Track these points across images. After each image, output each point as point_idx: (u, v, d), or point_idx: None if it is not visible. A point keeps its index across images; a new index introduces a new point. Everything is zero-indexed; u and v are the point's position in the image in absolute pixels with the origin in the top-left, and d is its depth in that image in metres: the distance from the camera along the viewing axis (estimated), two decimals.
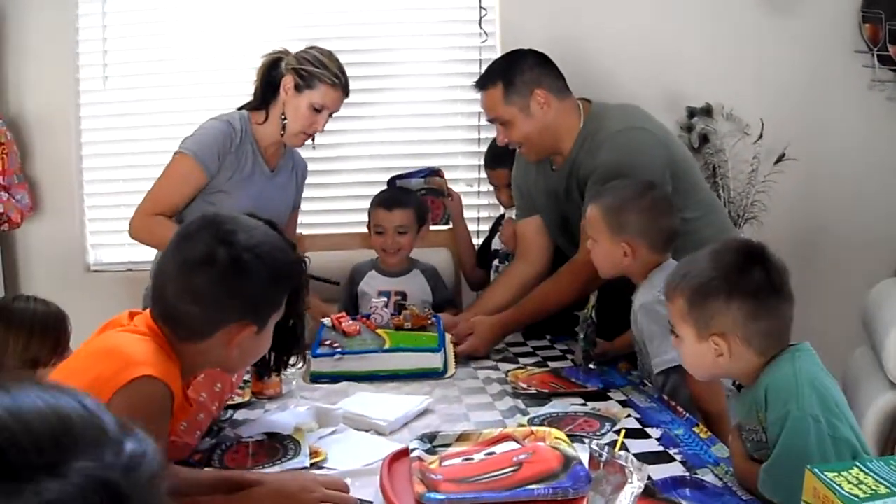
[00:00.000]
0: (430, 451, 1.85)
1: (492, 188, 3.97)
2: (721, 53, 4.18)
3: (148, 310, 1.95)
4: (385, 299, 3.18)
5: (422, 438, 1.91)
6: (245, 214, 2.05)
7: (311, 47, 3.30)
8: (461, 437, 1.92)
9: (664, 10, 4.21)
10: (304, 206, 3.68)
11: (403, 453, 1.85)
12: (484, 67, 3.75)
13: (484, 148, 3.95)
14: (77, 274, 4.31)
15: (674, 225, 2.73)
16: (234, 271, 1.85)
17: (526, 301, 3.21)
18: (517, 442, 1.85)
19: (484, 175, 4.02)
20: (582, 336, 2.88)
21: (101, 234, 4.37)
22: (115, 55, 4.29)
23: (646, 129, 3.08)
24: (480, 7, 4.14)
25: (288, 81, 3.24)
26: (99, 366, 1.76)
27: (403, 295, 3.60)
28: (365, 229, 3.76)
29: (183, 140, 3.27)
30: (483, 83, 3.20)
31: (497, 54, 4.04)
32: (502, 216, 3.85)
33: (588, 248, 2.80)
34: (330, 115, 3.30)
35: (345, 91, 3.28)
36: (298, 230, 3.77)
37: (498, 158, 3.71)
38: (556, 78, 3.18)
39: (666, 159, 3.01)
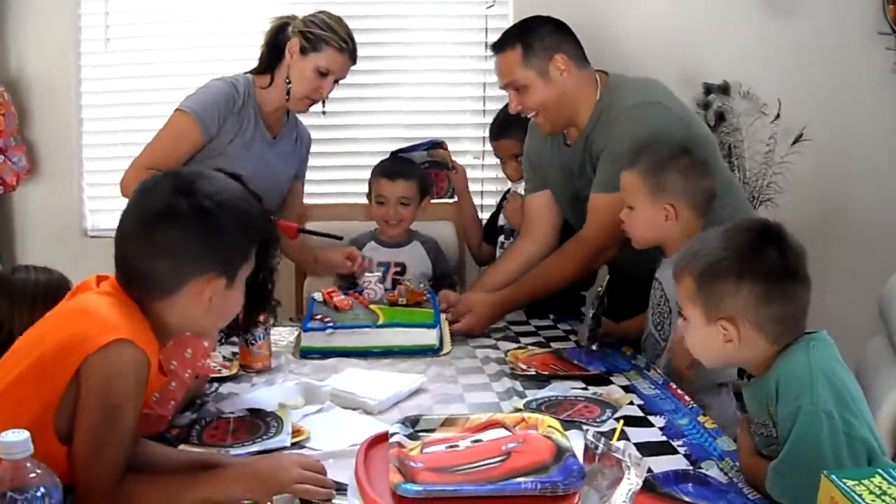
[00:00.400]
0: (412, 437, 1.71)
1: (497, 161, 3.84)
2: (740, 31, 4.06)
3: (113, 275, 1.85)
4: (379, 273, 3.08)
5: (403, 422, 1.77)
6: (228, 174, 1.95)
7: (320, 11, 3.20)
8: (446, 422, 1.78)
9: None
10: (307, 175, 3.57)
11: (384, 437, 1.73)
12: (490, 37, 3.71)
13: (489, 120, 3.82)
14: (74, 239, 4.23)
15: (713, 186, 2.65)
16: (197, 221, 1.75)
17: (526, 278, 3.10)
18: (507, 429, 1.72)
19: (489, 147, 3.90)
20: (591, 314, 2.77)
21: (99, 200, 4.28)
22: (117, 17, 4.20)
23: (664, 105, 2.95)
24: None
25: (294, 44, 3.14)
26: (70, 327, 1.68)
27: (403, 267, 3.51)
28: (366, 201, 3.65)
29: (186, 97, 3.17)
30: (500, 45, 3.06)
31: (507, 24, 3.91)
32: (508, 191, 3.73)
33: (622, 217, 2.69)
34: (336, 81, 3.20)
35: (352, 57, 3.18)
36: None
37: (504, 129, 3.59)
38: (575, 46, 3.05)
39: (684, 137, 2.86)
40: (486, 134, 3.90)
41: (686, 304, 1.90)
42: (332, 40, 3.11)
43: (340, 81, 3.23)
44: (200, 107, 3.13)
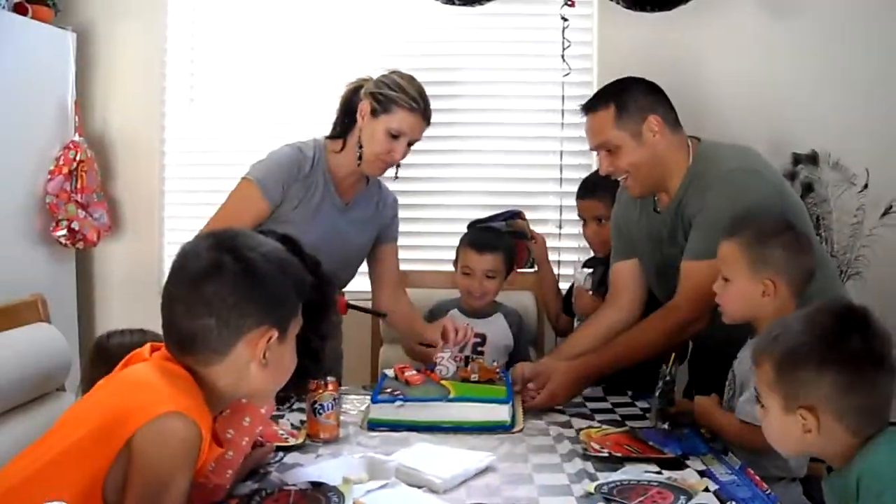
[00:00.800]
0: None
1: (578, 231, 3.79)
2: (829, 99, 3.99)
3: (163, 345, 1.84)
4: (454, 349, 3.00)
5: None
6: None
7: (393, 71, 3.16)
8: None
9: (773, 52, 4.06)
10: None
11: None
12: (567, 104, 3.71)
13: (567, 189, 3.79)
14: (154, 295, 4.17)
15: (813, 264, 2.56)
16: (243, 273, 1.75)
17: (610, 346, 3.00)
18: None
19: (567, 217, 3.85)
20: (657, 392, 2.69)
21: None
22: (201, 76, 4.29)
23: (760, 173, 2.87)
24: (563, 39, 4.00)
25: (365, 106, 3.10)
26: (122, 398, 1.68)
27: (483, 338, 3.45)
28: (449, 267, 3.62)
29: (253, 164, 3.15)
30: (593, 105, 3.00)
31: (586, 91, 3.96)
32: (572, 286, 3.67)
33: (715, 289, 2.60)
34: (410, 144, 3.14)
35: (425, 117, 3.12)
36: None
37: (591, 189, 3.55)
38: (668, 108, 2.99)
39: (780, 206, 2.79)
40: (563, 203, 3.87)
41: (765, 392, 1.84)
42: (402, 101, 3.06)
43: (415, 145, 3.17)
44: (264, 174, 3.10)
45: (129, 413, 1.61)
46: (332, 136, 3.23)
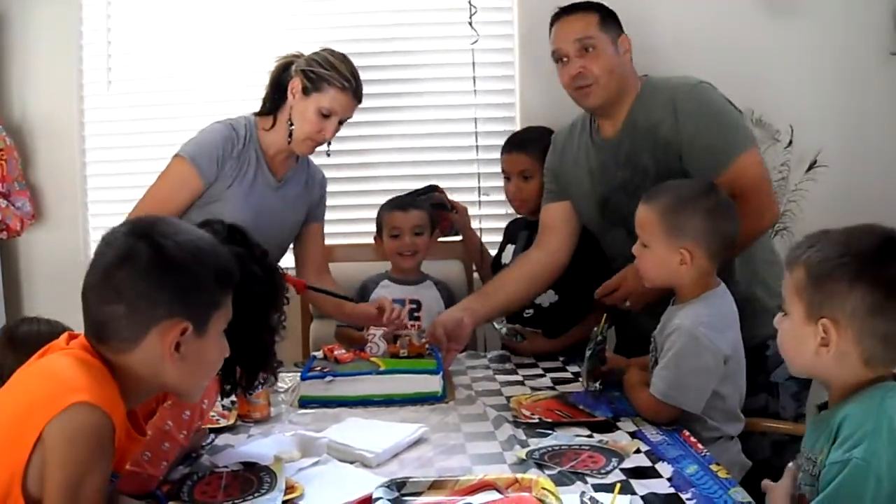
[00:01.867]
0: (397, 501, 1.65)
1: (498, 198, 3.83)
2: (748, 56, 3.97)
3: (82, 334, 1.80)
4: (384, 329, 2.98)
5: (389, 486, 1.69)
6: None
7: (324, 49, 3.13)
8: (434, 485, 1.70)
9: (688, 9, 4.02)
10: None
11: (367, 501, 1.66)
12: (478, 71, 3.95)
13: (483, 156, 3.91)
14: (79, 284, 4.14)
15: (734, 230, 2.55)
16: (155, 262, 1.69)
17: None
18: (499, 491, 1.64)
19: (485, 183, 3.93)
20: (588, 354, 2.70)
21: None
22: (119, 59, 4.19)
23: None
24: (470, 5, 3.99)
25: (296, 84, 3.08)
26: (34, 390, 1.65)
27: (418, 304, 3.47)
28: (369, 240, 3.62)
29: (184, 143, 3.11)
30: (574, 8, 3.07)
31: (498, 58, 4.05)
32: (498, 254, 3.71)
33: (635, 252, 2.60)
34: (340, 122, 3.12)
35: (356, 97, 3.10)
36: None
37: (518, 143, 3.57)
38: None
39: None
40: (480, 171, 3.97)
41: (791, 297, 1.80)
42: (334, 80, 3.04)
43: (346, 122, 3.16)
44: (197, 151, 3.06)
45: (39, 404, 1.58)
46: (261, 113, 3.21)
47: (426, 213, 3.54)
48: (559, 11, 3.09)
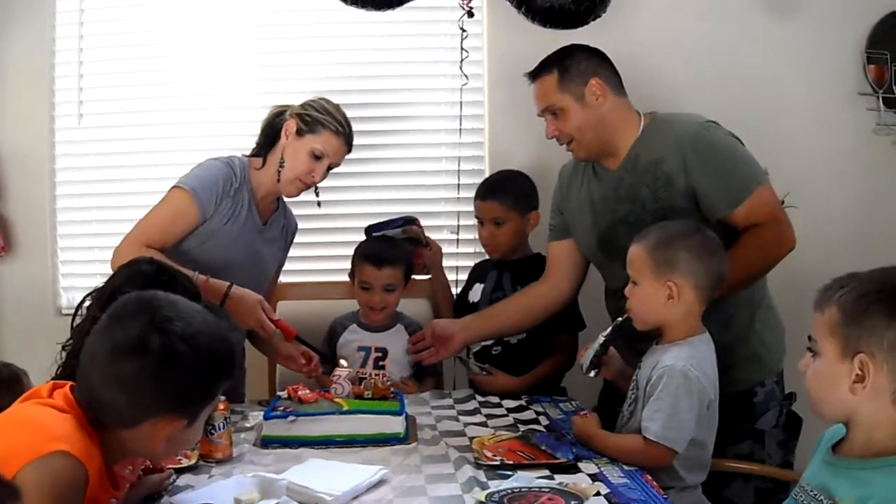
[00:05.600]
0: None
1: (472, 237, 3.84)
2: (715, 95, 3.98)
3: (68, 385, 1.82)
4: (350, 370, 2.95)
5: None
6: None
7: (320, 97, 3.22)
8: None
9: (665, 44, 4.04)
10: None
11: None
12: (465, 110, 3.93)
13: (464, 195, 3.82)
14: (48, 317, 4.15)
15: (722, 269, 2.57)
16: (165, 362, 1.72)
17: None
18: None
19: (465, 222, 3.91)
20: (601, 339, 2.73)
21: (73, 277, 4.21)
22: (91, 92, 4.17)
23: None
24: (462, 49, 3.97)
25: (290, 125, 3.15)
26: (14, 436, 1.66)
27: (384, 352, 3.41)
28: (345, 278, 3.57)
29: (183, 175, 3.14)
30: (537, 72, 3.09)
31: (481, 98, 4.07)
32: (464, 293, 3.72)
33: (626, 293, 2.62)
34: (329, 168, 3.19)
35: (347, 143, 3.19)
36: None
37: (490, 190, 3.56)
38: (612, 73, 3.08)
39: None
40: (461, 210, 3.95)
41: (823, 337, 1.80)
42: (329, 123, 3.12)
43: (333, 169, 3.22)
44: (199, 186, 3.09)
45: (14, 453, 1.59)
46: (253, 155, 3.25)
47: (401, 268, 3.43)
48: (527, 76, 3.12)
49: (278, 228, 3.37)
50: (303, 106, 3.17)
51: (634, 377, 2.61)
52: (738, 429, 2.80)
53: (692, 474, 2.50)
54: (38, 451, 1.59)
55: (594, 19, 3.61)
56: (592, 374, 2.75)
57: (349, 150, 3.22)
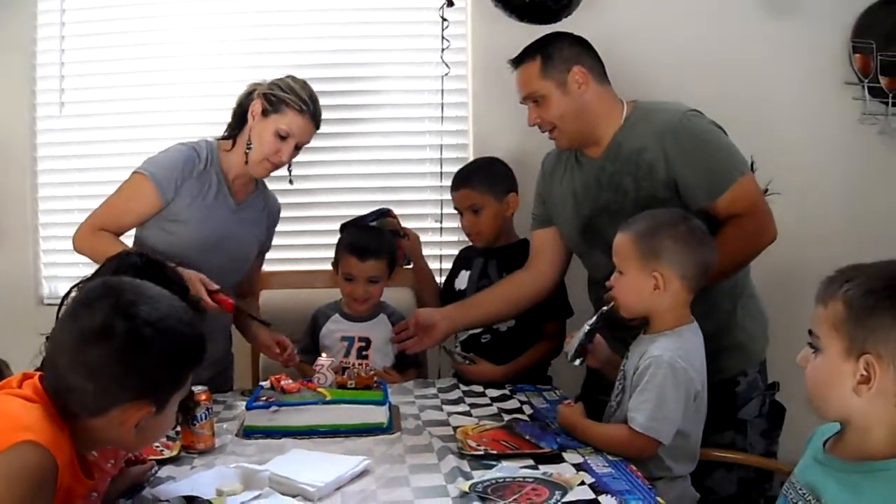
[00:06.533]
0: None
1: (455, 226, 3.84)
2: (700, 83, 3.96)
3: (38, 375, 1.79)
4: (332, 359, 2.93)
5: None
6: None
7: (287, 75, 3.19)
8: None
9: (650, 33, 4.03)
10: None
11: None
12: (447, 98, 3.92)
13: (447, 183, 3.79)
14: (29, 307, 4.13)
15: (709, 258, 2.55)
16: (132, 346, 1.70)
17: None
18: None
19: (447, 210, 3.90)
20: (587, 328, 2.70)
21: (55, 266, 4.20)
22: (72, 81, 4.14)
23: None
24: (443, 38, 3.96)
25: (256, 106, 3.13)
26: None
27: (367, 341, 3.40)
28: (328, 266, 3.54)
29: (145, 160, 3.15)
30: (520, 59, 3.09)
31: (464, 85, 4.08)
32: (450, 280, 3.71)
33: (612, 282, 2.60)
34: (297, 146, 3.17)
35: (314, 120, 3.16)
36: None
37: (464, 178, 3.57)
38: (595, 61, 3.08)
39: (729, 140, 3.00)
40: (444, 198, 3.92)
41: (827, 332, 1.72)
42: (292, 102, 3.09)
43: (303, 147, 3.20)
44: (158, 169, 3.10)
45: None
46: (223, 137, 3.25)
47: (385, 260, 3.42)
48: (510, 63, 3.12)
49: (257, 209, 3.34)
50: (269, 85, 3.14)
51: (622, 367, 2.60)
52: (721, 418, 2.79)
53: (680, 465, 2.49)
54: (4, 441, 1.58)
55: (567, 15, 3.64)
56: (577, 362, 2.74)
57: (317, 128, 3.19)
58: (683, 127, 2.91)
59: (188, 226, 3.11)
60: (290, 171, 3.28)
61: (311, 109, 3.12)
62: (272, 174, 3.26)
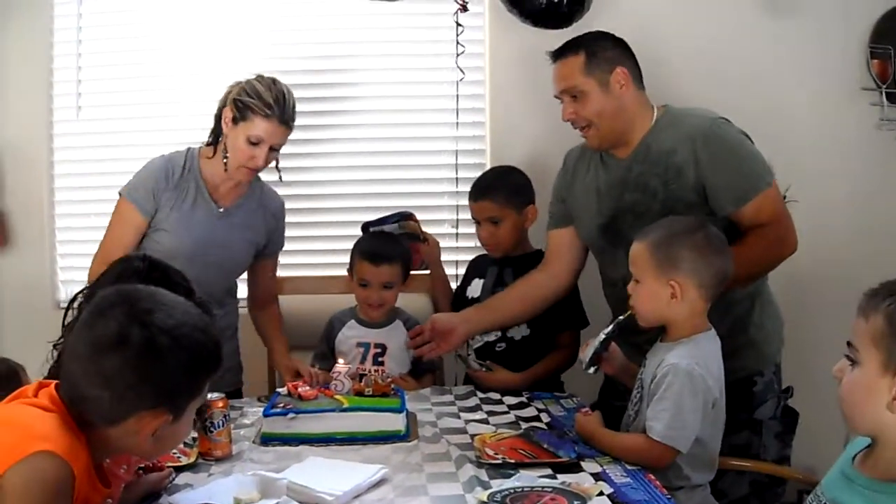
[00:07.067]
0: None
1: (471, 231, 3.78)
2: (718, 89, 3.95)
3: (54, 384, 1.79)
4: (350, 366, 2.94)
5: None
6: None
7: (257, 76, 3.15)
8: None
9: (667, 40, 4.01)
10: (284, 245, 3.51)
11: None
12: (462, 103, 3.96)
13: (462, 189, 3.81)
14: (47, 310, 4.13)
15: (727, 267, 2.54)
16: (148, 355, 1.69)
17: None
18: None
19: (463, 216, 3.90)
20: (602, 336, 2.70)
21: (72, 270, 4.19)
22: (89, 85, 4.16)
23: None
24: (458, 44, 3.95)
25: (227, 113, 3.12)
26: None
27: (383, 348, 3.39)
28: (344, 272, 3.53)
29: (127, 182, 3.21)
30: (562, 51, 3.07)
31: (481, 91, 4.09)
32: (462, 289, 3.69)
33: (629, 290, 2.59)
34: (273, 149, 3.15)
35: (282, 122, 3.11)
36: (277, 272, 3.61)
37: (483, 190, 3.53)
38: (635, 65, 3.08)
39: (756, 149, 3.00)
40: (459, 203, 3.93)
41: (866, 346, 1.70)
42: (258, 108, 3.06)
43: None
44: (134, 187, 3.17)
45: (2, 452, 1.57)
46: (207, 144, 3.25)
47: (399, 265, 3.41)
48: (550, 55, 3.10)
49: (249, 212, 3.32)
50: (238, 91, 3.11)
51: (640, 375, 2.59)
52: (737, 419, 2.78)
53: (698, 473, 2.48)
54: (21, 451, 1.57)
55: (579, 18, 3.65)
56: (592, 370, 2.73)
57: (289, 128, 3.15)
58: (714, 133, 2.92)
59: (171, 234, 3.14)
60: (277, 168, 3.28)
61: (276, 113, 3.07)
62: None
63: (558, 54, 3.07)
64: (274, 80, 3.14)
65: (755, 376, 2.97)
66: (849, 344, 1.76)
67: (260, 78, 3.14)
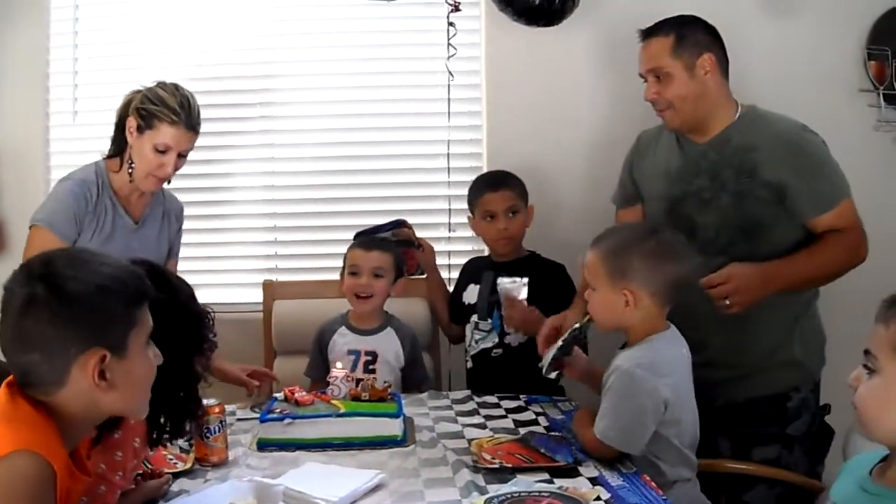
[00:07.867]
0: None
1: (465, 235, 3.83)
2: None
3: (8, 379, 1.76)
4: (346, 371, 2.90)
5: None
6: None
7: (158, 83, 3.13)
8: None
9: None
10: (278, 250, 3.48)
11: None
12: (454, 107, 3.92)
13: (454, 192, 3.84)
14: None
15: (680, 272, 2.53)
16: (56, 301, 1.66)
17: (795, 258, 2.96)
18: None
19: (455, 220, 3.92)
20: (560, 343, 2.70)
21: None
22: (85, 89, 4.16)
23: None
24: (449, 46, 3.94)
25: (131, 123, 3.09)
26: None
27: (374, 355, 3.36)
28: (337, 277, 3.51)
29: (37, 209, 3.12)
30: (652, 31, 3.09)
31: (475, 94, 4.07)
32: (458, 293, 3.66)
33: (585, 297, 2.61)
34: (181, 155, 3.12)
35: (188, 127, 3.09)
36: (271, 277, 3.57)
37: (502, 179, 3.54)
38: (723, 54, 3.10)
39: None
40: (452, 207, 3.96)
41: (886, 354, 1.67)
42: (163, 115, 3.04)
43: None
44: (53, 217, 3.06)
45: None
46: (109, 156, 3.21)
47: (391, 256, 3.41)
48: (640, 33, 3.12)
49: (157, 220, 3.31)
50: (141, 99, 3.08)
51: (606, 375, 2.59)
52: (767, 432, 2.80)
53: (678, 468, 2.49)
54: None
55: (570, 14, 3.64)
56: (553, 375, 2.76)
57: (195, 134, 3.12)
58: (804, 140, 2.99)
59: None
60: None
61: (182, 119, 3.05)
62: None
63: (648, 33, 3.09)
64: (176, 86, 3.12)
65: (791, 392, 3.00)
66: (866, 352, 1.73)
67: (162, 84, 3.11)
